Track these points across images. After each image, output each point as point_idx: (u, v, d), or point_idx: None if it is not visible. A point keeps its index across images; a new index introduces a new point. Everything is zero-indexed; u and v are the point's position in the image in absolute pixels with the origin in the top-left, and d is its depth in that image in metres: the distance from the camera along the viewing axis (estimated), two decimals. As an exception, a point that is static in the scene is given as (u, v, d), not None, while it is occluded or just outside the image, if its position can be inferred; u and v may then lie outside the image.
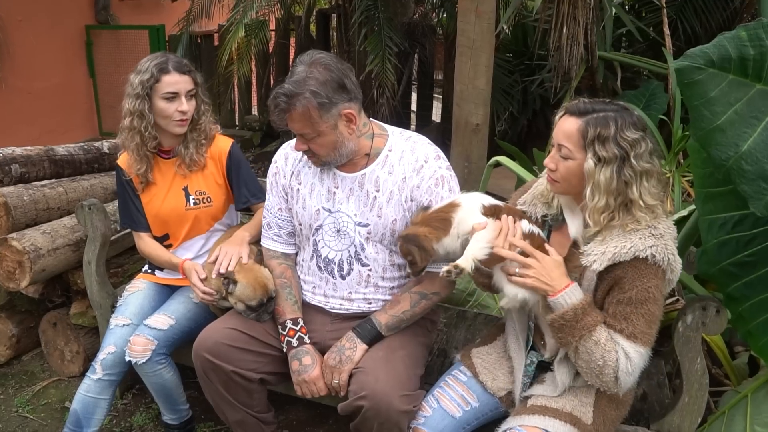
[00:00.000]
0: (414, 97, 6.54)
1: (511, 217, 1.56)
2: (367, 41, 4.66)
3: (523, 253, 1.51)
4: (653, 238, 1.45)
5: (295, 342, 1.82)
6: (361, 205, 1.82)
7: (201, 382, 1.88)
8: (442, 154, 1.84)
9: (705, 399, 1.69)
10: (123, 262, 2.71)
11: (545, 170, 1.59)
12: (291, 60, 6.29)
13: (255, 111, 6.88)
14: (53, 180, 2.66)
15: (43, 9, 5.79)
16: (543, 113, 5.08)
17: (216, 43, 6.33)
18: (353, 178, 1.82)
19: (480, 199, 1.64)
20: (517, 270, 1.50)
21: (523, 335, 1.69)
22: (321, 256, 1.88)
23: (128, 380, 2.49)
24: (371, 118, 1.88)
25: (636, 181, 1.43)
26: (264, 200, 2.07)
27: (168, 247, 2.21)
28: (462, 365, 1.78)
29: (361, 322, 1.80)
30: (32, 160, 2.62)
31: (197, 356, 1.82)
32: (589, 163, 1.44)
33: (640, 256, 1.44)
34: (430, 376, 1.93)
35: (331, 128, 1.71)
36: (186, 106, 2.06)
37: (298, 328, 1.84)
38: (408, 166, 1.79)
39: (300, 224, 1.91)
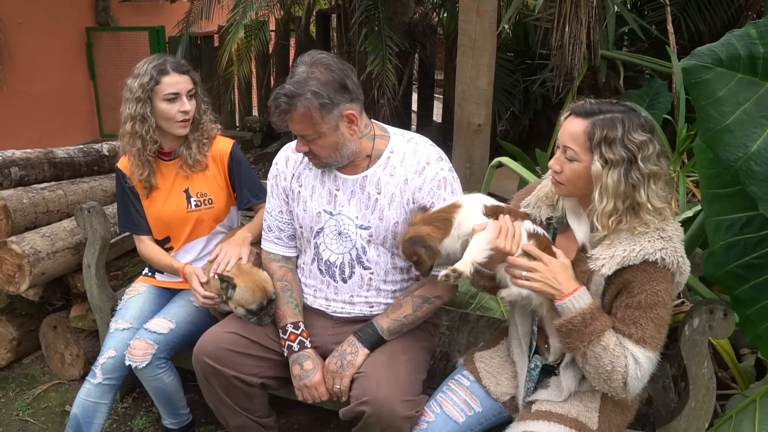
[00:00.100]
0: (415, 97, 6.52)
1: (508, 216, 1.53)
2: (367, 41, 4.64)
3: (530, 256, 1.49)
4: (662, 240, 1.43)
5: (296, 346, 1.80)
6: (362, 208, 1.80)
7: (201, 386, 1.86)
8: (444, 156, 1.82)
9: (712, 404, 1.66)
10: (123, 265, 2.70)
11: (549, 171, 1.56)
12: (291, 60, 6.27)
13: (255, 112, 6.87)
14: (53, 183, 2.65)
15: (44, 11, 5.78)
16: (545, 113, 5.06)
17: (216, 44, 6.31)
18: (354, 180, 1.80)
19: (482, 200, 1.61)
20: (523, 273, 1.47)
21: (526, 339, 1.66)
22: (322, 259, 1.86)
23: (129, 384, 2.48)
24: (372, 119, 1.85)
25: (644, 184, 1.41)
26: (264, 200, 2.06)
27: (169, 250, 2.20)
28: (465, 369, 1.76)
29: (362, 327, 1.78)
30: (32, 162, 2.61)
31: (197, 361, 1.80)
32: (596, 165, 1.41)
33: (650, 260, 1.42)
34: (432, 380, 1.91)
35: (332, 129, 1.69)
36: (188, 105, 2.05)
37: (299, 332, 1.82)
38: (410, 168, 1.77)
39: (301, 227, 1.89)
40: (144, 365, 1.98)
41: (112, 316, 2.20)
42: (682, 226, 1.55)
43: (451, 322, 2.35)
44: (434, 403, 1.69)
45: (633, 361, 1.43)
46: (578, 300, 1.44)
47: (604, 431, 1.54)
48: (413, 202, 1.77)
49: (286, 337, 1.82)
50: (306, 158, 1.84)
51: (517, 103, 4.94)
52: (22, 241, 2.33)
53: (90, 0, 6.38)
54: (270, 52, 6.16)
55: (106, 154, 2.90)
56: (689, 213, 2.19)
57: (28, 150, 2.66)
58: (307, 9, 5.72)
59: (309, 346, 1.81)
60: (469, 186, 2.92)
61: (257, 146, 6.41)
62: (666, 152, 1.43)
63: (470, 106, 3.01)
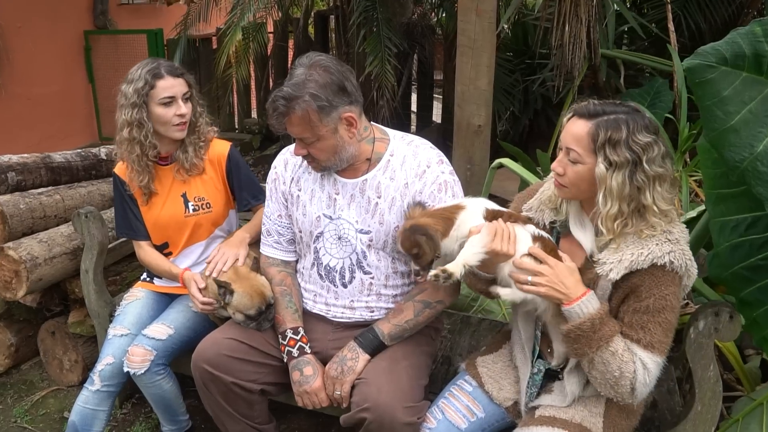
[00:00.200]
0: (414, 97, 6.51)
1: (501, 220, 1.50)
2: (366, 42, 4.63)
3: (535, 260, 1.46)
4: (670, 243, 1.40)
5: (295, 352, 1.78)
6: (362, 212, 1.77)
7: (200, 393, 1.84)
8: (444, 159, 1.80)
9: (719, 407, 1.64)
10: (121, 270, 2.68)
11: (551, 174, 1.54)
12: (290, 62, 6.26)
13: (254, 114, 6.85)
14: (50, 187, 2.63)
15: (42, 15, 5.77)
16: (545, 113, 5.04)
17: (214, 46, 6.30)
18: (354, 184, 1.78)
19: (484, 205, 1.59)
20: (529, 278, 1.44)
21: (529, 344, 1.64)
22: (322, 263, 1.84)
23: (128, 389, 2.46)
24: (372, 122, 1.83)
25: (649, 187, 1.38)
26: (263, 200, 2.05)
27: (168, 255, 2.18)
28: (467, 375, 1.74)
29: (363, 332, 1.76)
30: (29, 167, 2.59)
31: (196, 367, 1.79)
32: (600, 167, 1.39)
33: (658, 263, 1.39)
34: (434, 385, 1.89)
35: (331, 132, 1.66)
36: (184, 108, 2.03)
37: (298, 338, 1.79)
38: (410, 172, 1.75)
39: (300, 231, 1.87)
40: (142, 372, 1.96)
41: (111, 321, 2.18)
42: (686, 226, 1.53)
43: (452, 325, 2.32)
44: (436, 409, 1.67)
45: (641, 366, 1.41)
46: (586, 305, 1.41)
47: (608, 436, 1.52)
48: None
49: (285, 342, 1.80)
50: (305, 162, 1.82)
51: (516, 103, 4.92)
52: (19, 246, 2.31)
53: (88, 3, 6.38)
54: (268, 53, 6.15)
55: (104, 158, 2.88)
56: (693, 213, 2.17)
57: (25, 155, 2.64)
58: (305, 10, 5.71)
59: (309, 351, 1.79)
60: (469, 187, 2.91)
61: (256, 148, 6.40)
62: (671, 153, 1.41)
63: (470, 106, 2.99)
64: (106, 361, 2.01)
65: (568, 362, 1.57)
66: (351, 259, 1.80)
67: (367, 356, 1.71)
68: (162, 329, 2.02)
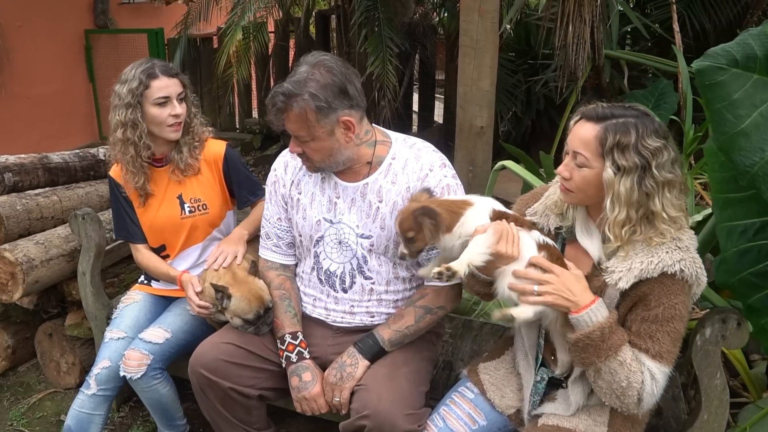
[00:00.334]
0: (416, 97, 6.48)
1: (505, 221, 1.47)
2: (367, 42, 4.60)
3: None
4: (680, 251, 1.37)
5: (294, 357, 1.75)
6: (363, 216, 1.75)
7: (198, 398, 1.82)
8: (447, 162, 1.77)
9: (726, 416, 1.61)
10: (119, 272, 2.66)
11: (557, 178, 1.50)
12: (291, 62, 6.24)
13: (255, 114, 6.83)
14: (47, 188, 2.60)
15: (42, 14, 5.75)
16: (547, 113, 5.00)
17: (215, 45, 6.28)
18: (355, 187, 1.75)
19: (492, 205, 1.55)
20: (534, 288, 1.40)
21: (532, 352, 1.61)
22: (322, 268, 1.81)
23: (125, 392, 2.43)
24: (374, 124, 1.80)
25: (658, 192, 1.35)
26: (262, 196, 2.04)
27: (165, 258, 2.15)
28: (468, 381, 1.71)
29: (363, 337, 1.73)
30: (26, 168, 2.56)
31: (193, 372, 1.77)
32: (608, 172, 1.35)
33: (668, 272, 1.36)
34: (435, 391, 1.86)
35: (327, 134, 1.64)
36: (179, 109, 2.01)
37: (297, 343, 1.77)
38: (412, 175, 1.72)
39: (300, 235, 1.84)
40: (139, 376, 1.94)
41: (108, 324, 2.15)
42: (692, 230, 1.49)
43: (454, 329, 2.30)
44: (437, 416, 1.64)
45: (650, 376, 1.38)
46: (595, 313, 1.37)
47: (613, 446, 1.49)
48: None
49: (284, 347, 1.77)
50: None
51: (519, 103, 4.89)
52: (15, 248, 2.28)
53: (88, 2, 6.36)
54: (269, 53, 6.13)
55: (103, 158, 2.85)
56: (698, 217, 2.13)
57: (22, 155, 2.62)
58: (306, 10, 5.68)
59: (308, 356, 1.76)
60: (471, 190, 2.86)
61: (257, 148, 6.37)
62: (681, 159, 1.37)
63: (472, 108, 2.96)
64: (102, 364, 1.99)
65: (572, 371, 1.53)
66: (351, 264, 1.77)
67: (366, 362, 1.69)
68: (159, 333, 2.00)
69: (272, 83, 6.25)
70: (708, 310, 1.94)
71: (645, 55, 4.00)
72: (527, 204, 1.65)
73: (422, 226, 1.49)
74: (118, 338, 2.04)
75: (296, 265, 1.94)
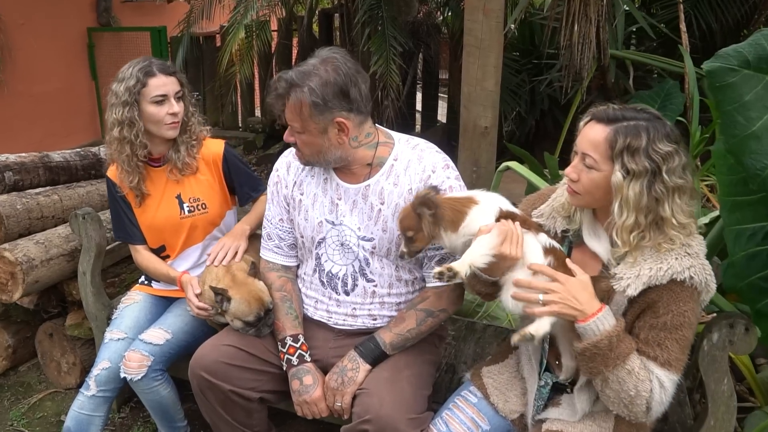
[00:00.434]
0: (419, 97, 6.45)
1: (510, 221, 1.44)
2: (370, 41, 4.58)
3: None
4: (690, 257, 1.34)
5: (295, 360, 1.73)
6: (364, 219, 1.72)
7: (198, 400, 1.81)
8: (450, 163, 1.74)
9: (733, 423, 1.58)
10: (120, 272, 2.64)
11: (564, 179, 1.47)
12: (293, 61, 6.22)
13: (258, 113, 6.81)
14: (48, 187, 2.59)
15: (45, 12, 5.74)
16: (551, 113, 4.98)
17: (218, 44, 6.27)
18: (356, 189, 1.73)
19: (499, 203, 1.51)
20: (540, 297, 1.37)
21: (536, 356, 1.58)
22: (324, 270, 1.79)
23: (126, 393, 2.42)
24: (377, 124, 1.77)
25: (668, 198, 1.32)
26: (264, 190, 2.03)
27: (165, 258, 2.13)
28: (472, 385, 1.68)
29: (363, 341, 1.71)
30: (26, 167, 2.55)
31: (194, 375, 1.75)
32: (617, 175, 1.32)
33: (678, 279, 1.33)
34: (437, 394, 1.84)
35: (318, 131, 1.62)
36: (176, 107, 1.99)
37: (298, 345, 1.75)
38: (414, 177, 1.70)
39: (302, 236, 1.82)
40: (139, 378, 1.92)
41: (108, 324, 2.14)
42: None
43: (457, 331, 2.27)
44: (440, 420, 1.62)
45: (658, 384, 1.35)
46: (602, 321, 1.35)
47: (618, 452, 1.47)
48: None
49: (285, 350, 1.75)
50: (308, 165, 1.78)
51: (523, 103, 4.86)
52: (15, 248, 2.27)
53: (91, 0, 6.35)
54: (272, 52, 6.11)
55: (104, 157, 2.83)
56: (705, 219, 2.11)
57: (23, 154, 2.61)
58: (309, 8, 5.67)
59: (309, 360, 1.74)
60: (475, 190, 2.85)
61: (259, 147, 6.35)
62: (692, 164, 1.34)
63: (476, 108, 2.93)
64: (102, 365, 1.98)
65: (577, 376, 1.51)
66: (353, 267, 1.75)
67: (367, 366, 1.67)
68: (159, 334, 1.99)
69: (275, 82, 6.22)
70: (715, 314, 1.92)
71: (651, 56, 3.96)
72: (533, 205, 1.62)
73: (421, 219, 1.47)
74: (118, 339, 2.02)
75: (298, 266, 1.92)
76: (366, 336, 1.73)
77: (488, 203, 1.50)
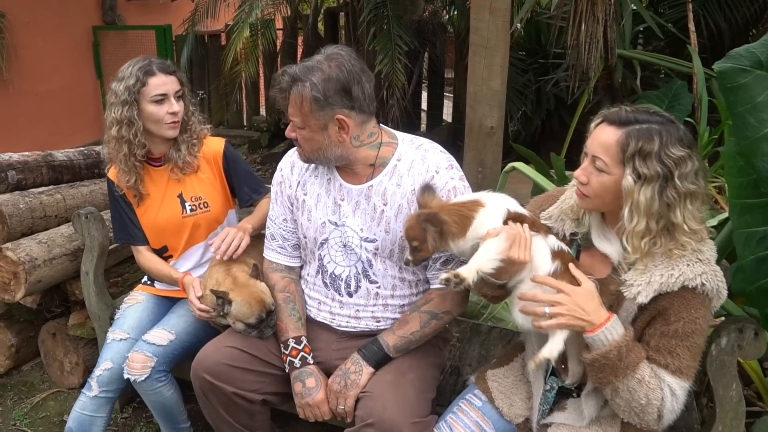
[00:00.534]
0: (424, 96, 6.43)
1: (518, 224, 1.41)
2: (376, 40, 4.57)
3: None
4: (701, 264, 1.32)
5: (297, 362, 1.72)
6: (367, 220, 1.71)
7: (200, 402, 1.79)
8: (455, 163, 1.72)
9: (741, 428, 1.56)
10: (123, 272, 2.63)
11: (572, 181, 1.45)
12: (299, 60, 6.20)
13: (263, 111, 6.80)
14: (51, 187, 2.58)
15: (50, 10, 5.75)
16: (558, 113, 4.95)
17: (223, 42, 6.26)
18: (359, 190, 1.71)
19: (506, 204, 1.48)
20: (546, 310, 1.35)
21: (543, 360, 1.56)
22: (327, 271, 1.78)
23: (129, 393, 2.42)
24: (381, 124, 1.76)
25: (679, 204, 1.29)
26: (265, 193, 2.02)
27: (168, 259, 2.12)
28: (477, 389, 1.66)
29: (367, 343, 1.69)
30: (29, 166, 2.54)
31: (196, 377, 1.73)
32: (628, 180, 1.30)
33: (689, 285, 1.31)
34: (441, 397, 1.82)
35: (319, 127, 1.61)
36: (176, 107, 1.98)
37: (301, 348, 1.73)
38: (417, 177, 1.68)
39: (305, 237, 1.80)
40: (143, 378, 1.91)
41: (111, 324, 2.13)
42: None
43: (462, 333, 2.25)
44: (444, 424, 1.60)
45: (670, 392, 1.33)
46: (611, 332, 1.32)
47: (625, 457, 1.45)
48: None
49: (287, 352, 1.74)
50: (312, 165, 1.77)
51: (529, 103, 4.83)
52: (17, 247, 2.26)
53: (97, -2, 6.36)
54: (277, 50, 6.10)
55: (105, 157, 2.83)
56: (713, 222, 2.07)
57: (26, 153, 2.60)
58: (314, 7, 5.65)
59: (311, 362, 1.73)
60: (480, 191, 2.83)
61: (264, 146, 6.35)
62: (705, 169, 1.32)
63: (482, 107, 2.91)
64: (104, 366, 1.97)
65: (583, 380, 1.49)
66: (356, 268, 1.74)
67: (371, 369, 1.65)
68: (163, 335, 1.98)
69: (280, 81, 6.21)
70: (723, 318, 1.89)
71: (659, 55, 3.93)
72: (541, 206, 1.59)
73: (426, 234, 1.45)
74: (121, 339, 2.01)
75: (301, 267, 1.91)
76: (369, 338, 1.71)
77: (495, 205, 1.47)
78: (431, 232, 1.44)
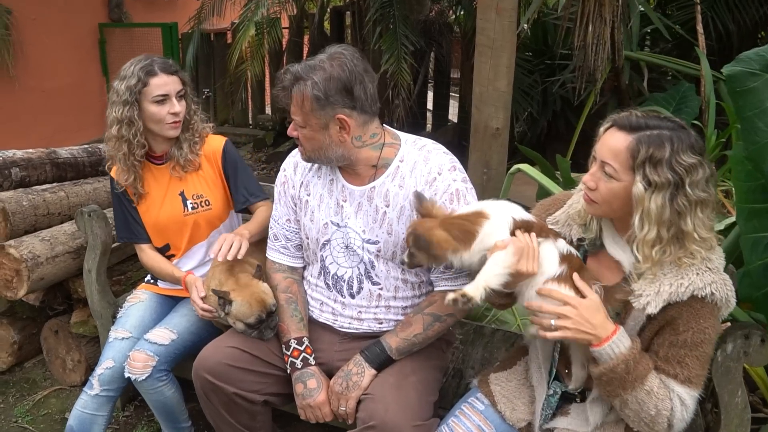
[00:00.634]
0: (430, 96, 6.41)
1: (526, 234, 1.38)
2: (382, 40, 4.55)
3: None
4: (711, 273, 1.30)
5: (299, 363, 1.71)
6: (369, 221, 1.69)
7: (201, 403, 1.79)
8: (458, 165, 1.70)
9: (747, 436, 1.54)
10: (126, 270, 2.63)
11: (580, 186, 1.43)
12: (304, 58, 6.19)
13: (268, 110, 6.80)
14: (54, 184, 2.58)
15: (56, 7, 5.76)
16: (564, 115, 4.92)
17: (229, 41, 6.26)
18: (362, 191, 1.70)
19: (511, 213, 1.44)
20: (552, 322, 1.32)
21: (546, 364, 1.54)
22: (329, 272, 1.77)
23: (130, 392, 2.42)
24: (387, 121, 1.75)
25: (690, 212, 1.27)
26: (263, 198, 2.01)
27: (171, 257, 2.12)
28: (479, 392, 1.65)
29: (369, 345, 1.68)
30: (33, 163, 2.54)
31: (197, 377, 1.73)
32: (638, 187, 1.27)
33: (698, 295, 1.29)
34: (444, 399, 1.81)
35: (319, 126, 1.61)
36: (178, 107, 1.98)
37: (302, 349, 1.72)
38: (420, 179, 1.66)
39: (307, 237, 1.79)
40: (144, 378, 1.91)
41: (113, 322, 2.12)
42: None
43: (465, 335, 2.24)
44: (446, 427, 1.58)
45: (679, 402, 1.31)
46: (618, 345, 1.30)
47: (628, 463, 1.43)
48: None
49: (289, 353, 1.73)
50: (315, 165, 1.77)
51: (535, 104, 4.81)
52: (20, 245, 2.26)
53: (103, -4, 6.38)
54: (283, 49, 6.09)
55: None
56: (720, 226, 2.05)
57: (30, 150, 2.60)
58: (320, 6, 5.65)
59: (313, 363, 1.72)
60: (486, 193, 2.81)
61: (269, 145, 6.35)
62: (716, 176, 1.29)
63: (488, 108, 2.89)
64: (105, 364, 1.96)
65: (588, 385, 1.47)
66: (359, 269, 1.73)
67: (373, 371, 1.64)
68: (165, 334, 1.97)
69: (285, 80, 6.21)
70: (729, 324, 1.87)
71: (667, 57, 3.90)
72: (548, 210, 1.57)
73: (418, 250, 1.44)
74: (123, 338, 2.01)
75: (304, 267, 1.90)
76: (372, 340, 1.70)
77: (500, 215, 1.43)
78: (423, 256, 1.44)
